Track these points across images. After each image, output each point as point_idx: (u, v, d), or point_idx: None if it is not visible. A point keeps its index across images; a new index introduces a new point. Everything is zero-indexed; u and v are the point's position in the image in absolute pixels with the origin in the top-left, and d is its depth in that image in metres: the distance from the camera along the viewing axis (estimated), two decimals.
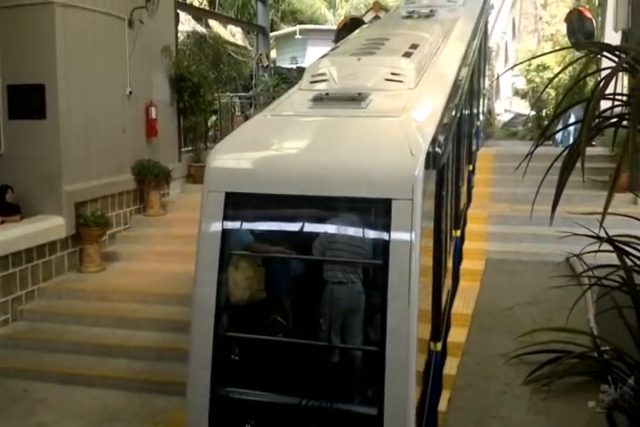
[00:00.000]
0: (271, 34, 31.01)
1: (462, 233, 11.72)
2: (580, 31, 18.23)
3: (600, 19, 19.61)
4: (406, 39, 10.11)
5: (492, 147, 18.26)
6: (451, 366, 8.36)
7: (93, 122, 12.98)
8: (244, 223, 7.14)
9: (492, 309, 9.46)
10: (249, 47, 31.07)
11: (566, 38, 20.93)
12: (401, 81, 8.20)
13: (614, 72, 5.39)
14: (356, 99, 7.71)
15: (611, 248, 6.85)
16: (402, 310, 6.23)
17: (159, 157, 15.02)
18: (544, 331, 7.73)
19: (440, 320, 7.87)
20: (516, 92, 44.10)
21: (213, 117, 21.14)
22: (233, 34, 31.71)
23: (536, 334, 7.76)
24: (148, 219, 14.71)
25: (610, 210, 5.04)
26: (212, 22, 29.24)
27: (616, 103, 6.27)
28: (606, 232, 6.64)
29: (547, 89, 28.05)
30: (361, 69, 8.44)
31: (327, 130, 7.57)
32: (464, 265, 11.22)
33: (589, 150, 12.19)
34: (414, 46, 9.43)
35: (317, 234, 6.93)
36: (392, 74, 8.24)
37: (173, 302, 11.06)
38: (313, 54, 29.54)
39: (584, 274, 7.82)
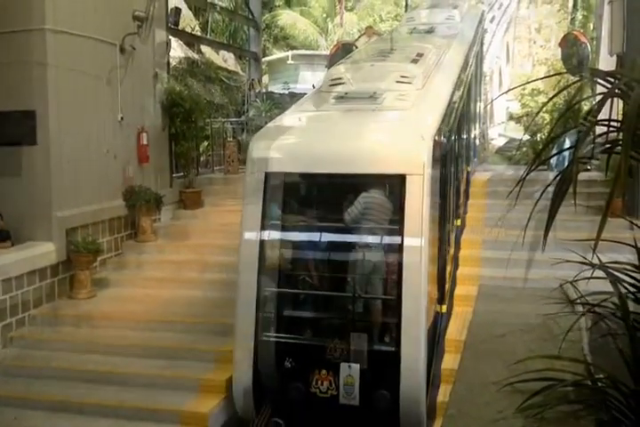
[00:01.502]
0: (263, 59, 31.04)
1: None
2: (575, 55, 18.29)
3: (595, 43, 19.67)
4: (412, 49, 11.77)
5: (487, 171, 18.27)
6: (443, 394, 8.34)
7: (84, 148, 12.94)
8: (281, 198, 8.82)
9: (484, 336, 9.39)
10: (241, 72, 31.08)
11: (561, 62, 20.98)
12: (410, 83, 9.69)
13: (605, 98, 5.38)
14: (372, 97, 9.27)
15: (604, 274, 6.82)
16: (415, 264, 7.91)
17: (150, 182, 15.01)
18: (537, 359, 7.65)
19: (444, 285, 9.47)
20: (511, 117, 44.16)
21: (205, 143, 21.09)
22: (225, 59, 31.66)
23: (529, 362, 7.66)
24: (140, 245, 14.64)
25: (606, 235, 4.98)
26: (204, 48, 29.23)
27: (611, 128, 6.25)
28: (599, 259, 6.60)
29: (541, 113, 28.06)
30: (374, 74, 10.04)
31: (349, 120, 9.08)
32: (458, 291, 11.21)
33: (585, 175, 12.16)
34: (420, 55, 11.11)
35: (344, 206, 8.62)
36: (402, 77, 9.75)
37: (164, 329, 11.04)
38: (305, 79, 29.65)
39: (577, 301, 7.77)
